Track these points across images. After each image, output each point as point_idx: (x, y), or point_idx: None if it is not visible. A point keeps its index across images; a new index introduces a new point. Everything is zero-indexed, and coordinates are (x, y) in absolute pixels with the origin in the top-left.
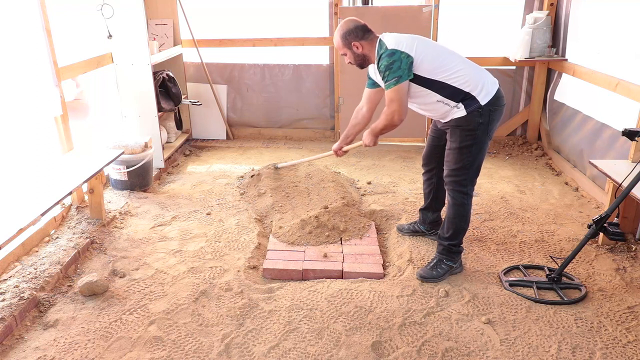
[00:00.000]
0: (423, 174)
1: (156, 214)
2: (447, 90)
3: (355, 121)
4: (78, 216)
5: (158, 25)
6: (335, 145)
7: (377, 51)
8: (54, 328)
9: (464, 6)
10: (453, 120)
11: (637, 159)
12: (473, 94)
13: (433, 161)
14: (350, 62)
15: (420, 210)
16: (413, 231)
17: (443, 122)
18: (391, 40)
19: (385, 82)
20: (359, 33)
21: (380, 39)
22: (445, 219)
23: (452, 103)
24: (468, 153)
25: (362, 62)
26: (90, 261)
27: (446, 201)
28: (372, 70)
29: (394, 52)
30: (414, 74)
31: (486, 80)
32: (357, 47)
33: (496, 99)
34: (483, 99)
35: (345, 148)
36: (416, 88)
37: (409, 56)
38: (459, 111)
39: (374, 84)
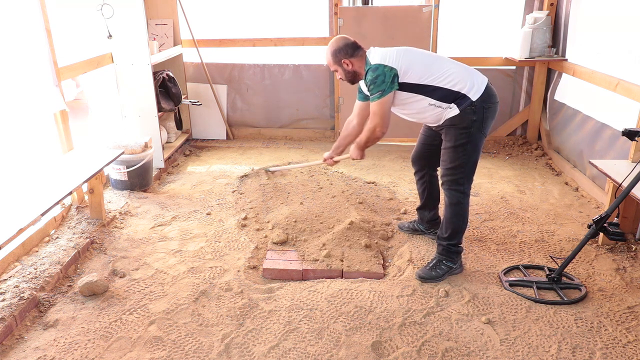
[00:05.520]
0: (415, 173)
1: (156, 214)
2: (438, 92)
3: (345, 133)
4: (78, 216)
5: (158, 25)
6: (326, 154)
7: (365, 67)
8: (54, 328)
9: (464, 6)
10: (447, 120)
11: (637, 159)
12: (463, 92)
13: (422, 160)
14: (341, 78)
15: (418, 209)
16: (413, 230)
17: (438, 124)
18: (376, 55)
19: (371, 95)
20: (349, 50)
21: (366, 55)
22: (443, 219)
23: (445, 105)
24: (463, 151)
25: (353, 79)
26: (90, 261)
27: (444, 201)
28: (363, 84)
29: (378, 67)
30: (403, 83)
31: (475, 77)
32: (347, 64)
33: (488, 96)
34: (474, 95)
35: (336, 158)
36: (406, 95)
37: (392, 69)
38: (452, 111)
39: (365, 97)
